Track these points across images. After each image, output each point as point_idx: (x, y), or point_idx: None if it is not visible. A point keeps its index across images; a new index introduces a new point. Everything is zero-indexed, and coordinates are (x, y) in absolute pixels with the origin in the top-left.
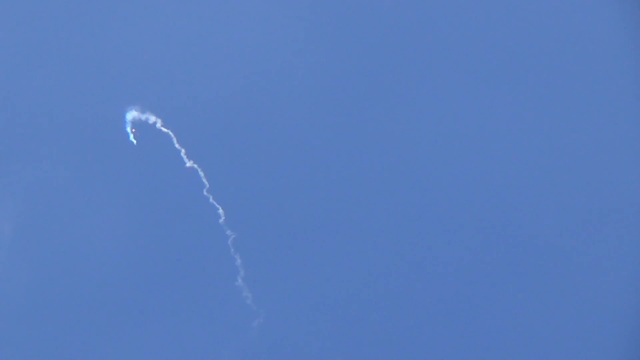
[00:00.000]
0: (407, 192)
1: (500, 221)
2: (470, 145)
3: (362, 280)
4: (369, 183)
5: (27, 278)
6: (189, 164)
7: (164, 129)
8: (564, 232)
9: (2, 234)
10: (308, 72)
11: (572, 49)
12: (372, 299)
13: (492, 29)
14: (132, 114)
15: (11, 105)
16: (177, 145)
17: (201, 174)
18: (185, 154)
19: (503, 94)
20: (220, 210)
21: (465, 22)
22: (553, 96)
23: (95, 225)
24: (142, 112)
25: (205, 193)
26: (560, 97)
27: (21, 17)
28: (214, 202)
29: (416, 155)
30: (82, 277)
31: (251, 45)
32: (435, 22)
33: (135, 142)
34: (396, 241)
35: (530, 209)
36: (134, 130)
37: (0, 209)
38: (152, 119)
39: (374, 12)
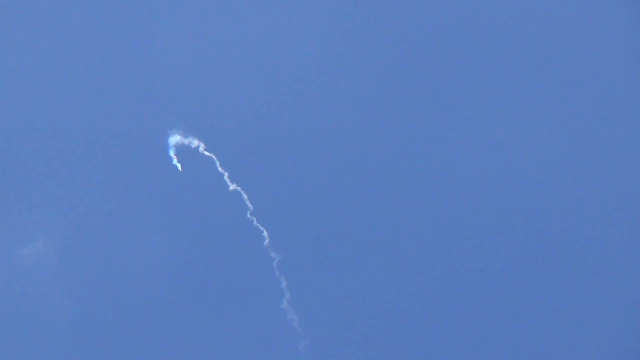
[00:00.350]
0: (455, 216)
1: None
2: (504, 155)
3: (409, 302)
4: (416, 207)
5: (72, 300)
6: (232, 187)
7: (206, 153)
8: (592, 235)
9: (48, 257)
10: (351, 94)
11: (596, 58)
12: (419, 321)
13: (528, 40)
14: (175, 138)
15: (56, 130)
16: (220, 169)
17: (244, 196)
18: (228, 177)
19: (533, 102)
20: (265, 233)
21: (502, 36)
22: (580, 104)
23: (139, 249)
24: (185, 136)
25: (249, 216)
26: (586, 104)
27: (66, 42)
28: (258, 225)
29: (460, 173)
30: (128, 300)
31: (295, 69)
32: (473, 35)
33: (179, 166)
34: (443, 263)
35: (566, 220)
36: (175, 156)
37: (45, 232)
38: (194, 142)
39: (411, 31)
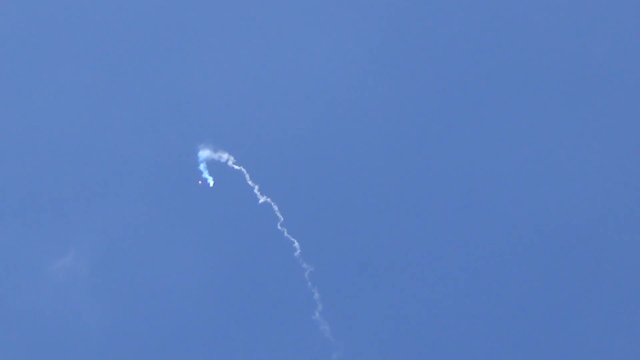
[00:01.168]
0: (485, 227)
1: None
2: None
3: (442, 312)
4: (451, 219)
5: (104, 316)
6: (262, 199)
7: (236, 167)
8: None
9: (79, 270)
10: (380, 106)
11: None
12: (452, 333)
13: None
14: (205, 153)
15: (86, 145)
16: (249, 182)
17: (275, 207)
18: (259, 190)
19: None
20: (296, 244)
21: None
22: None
23: (171, 262)
24: (215, 150)
25: (279, 227)
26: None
27: (95, 59)
28: (289, 236)
29: (494, 189)
30: (160, 313)
31: (322, 80)
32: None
33: (211, 179)
34: (477, 276)
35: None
36: (200, 182)
37: (76, 246)
38: (224, 156)
39: (445, 45)
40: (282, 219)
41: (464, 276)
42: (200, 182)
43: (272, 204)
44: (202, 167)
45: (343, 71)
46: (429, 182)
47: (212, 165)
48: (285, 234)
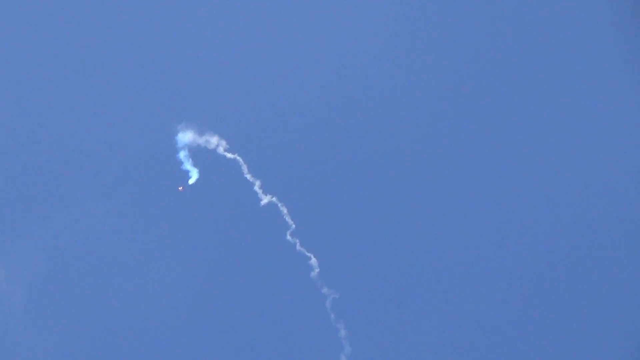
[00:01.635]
0: (512, 252)
1: None
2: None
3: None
4: (479, 232)
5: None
6: (265, 200)
7: (229, 155)
8: None
9: (12, 298)
10: (393, 92)
11: None
12: None
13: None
14: (186, 136)
15: (29, 128)
16: (248, 176)
17: (283, 210)
18: (261, 186)
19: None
20: (313, 260)
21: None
22: None
23: (142, 288)
24: (200, 133)
25: (289, 237)
26: None
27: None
28: (303, 249)
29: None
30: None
31: (333, 43)
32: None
33: (194, 172)
34: (523, 303)
35: None
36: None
37: (8, 267)
38: (213, 141)
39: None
40: (294, 226)
41: (511, 314)
42: (180, 188)
43: (280, 205)
44: (182, 155)
45: (355, 31)
46: (457, 191)
47: (197, 154)
48: (298, 246)
